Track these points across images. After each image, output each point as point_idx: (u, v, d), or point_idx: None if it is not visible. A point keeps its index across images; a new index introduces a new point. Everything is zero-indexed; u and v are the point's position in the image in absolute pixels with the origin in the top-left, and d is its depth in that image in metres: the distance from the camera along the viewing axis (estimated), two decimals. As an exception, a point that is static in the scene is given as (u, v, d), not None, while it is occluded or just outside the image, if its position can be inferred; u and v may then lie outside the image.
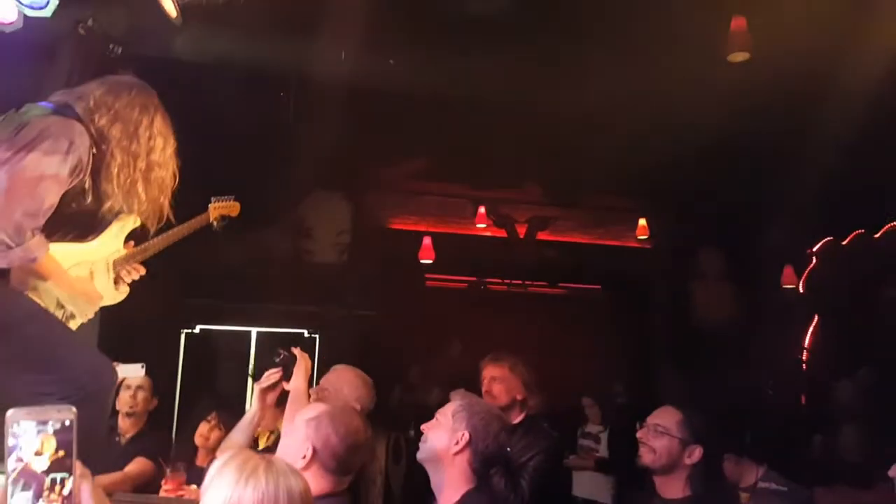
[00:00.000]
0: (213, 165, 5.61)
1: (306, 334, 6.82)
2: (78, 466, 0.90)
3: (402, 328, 6.74)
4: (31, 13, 3.24)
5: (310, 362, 2.43)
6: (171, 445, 3.37)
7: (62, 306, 1.95)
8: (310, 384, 2.62)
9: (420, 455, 1.96)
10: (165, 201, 2.01)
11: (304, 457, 1.74)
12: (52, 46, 3.59)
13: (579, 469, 4.92)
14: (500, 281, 8.13)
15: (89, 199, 1.85)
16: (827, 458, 4.15)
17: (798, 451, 4.25)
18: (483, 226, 6.97)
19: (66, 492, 0.88)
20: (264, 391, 2.37)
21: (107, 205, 1.88)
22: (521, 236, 7.58)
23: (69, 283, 1.92)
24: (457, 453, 1.89)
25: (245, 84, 4.90)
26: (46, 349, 1.78)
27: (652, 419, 2.25)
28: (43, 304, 1.89)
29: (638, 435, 2.24)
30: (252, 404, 2.40)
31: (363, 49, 4.38)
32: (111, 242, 2.04)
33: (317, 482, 1.76)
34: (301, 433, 1.78)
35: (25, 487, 0.87)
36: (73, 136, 1.77)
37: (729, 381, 5.61)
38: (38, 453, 0.87)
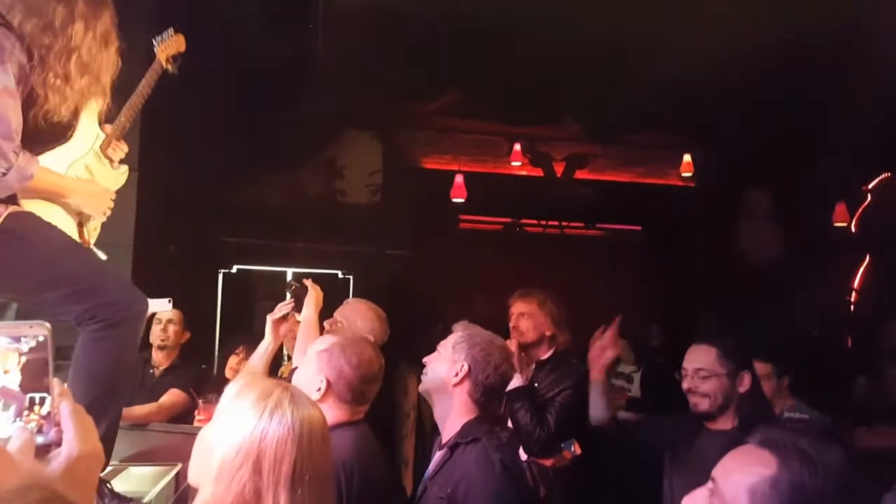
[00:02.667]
0: (243, 102, 5.60)
1: (340, 275, 6.85)
2: (56, 385, 0.87)
3: (436, 268, 6.71)
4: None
5: (321, 294, 2.41)
6: (205, 377, 3.44)
7: (81, 212, 1.95)
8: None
9: (422, 387, 1.95)
10: (101, 89, 1.88)
11: (319, 389, 1.73)
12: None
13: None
14: (535, 222, 7.99)
15: (41, 105, 1.74)
16: (870, 399, 4.01)
17: (842, 391, 4.11)
18: (519, 164, 6.79)
19: (43, 411, 0.85)
20: (277, 322, 2.38)
21: (46, 107, 1.75)
22: (559, 175, 7.38)
23: (76, 189, 1.90)
24: (457, 384, 1.86)
25: (270, 15, 4.77)
26: (84, 278, 1.80)
27: (690, 364, 2.15)
28: (60, 213, 1.90)
29: (684, 387, 2.15)
30: (266, 335, 2.40)
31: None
32: (89, 132, 1.96)
33: (333, 413, 1.75)
34: (314, 365, 1.76)
35: (5, 407, 0.85)
36: (1, 41, 1.65)
37: (773, 323, 5.43)
38: (5, 371, 0.84)
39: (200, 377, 3.44)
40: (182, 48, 2.27)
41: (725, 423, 2.06)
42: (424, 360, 2.01)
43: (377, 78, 5.66)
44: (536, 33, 4.79)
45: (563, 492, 2.50)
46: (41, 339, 0.85)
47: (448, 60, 5.43)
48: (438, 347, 1.99)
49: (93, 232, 2.04)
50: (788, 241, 6.11)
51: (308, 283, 2.50)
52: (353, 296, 6.91)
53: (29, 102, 1.72)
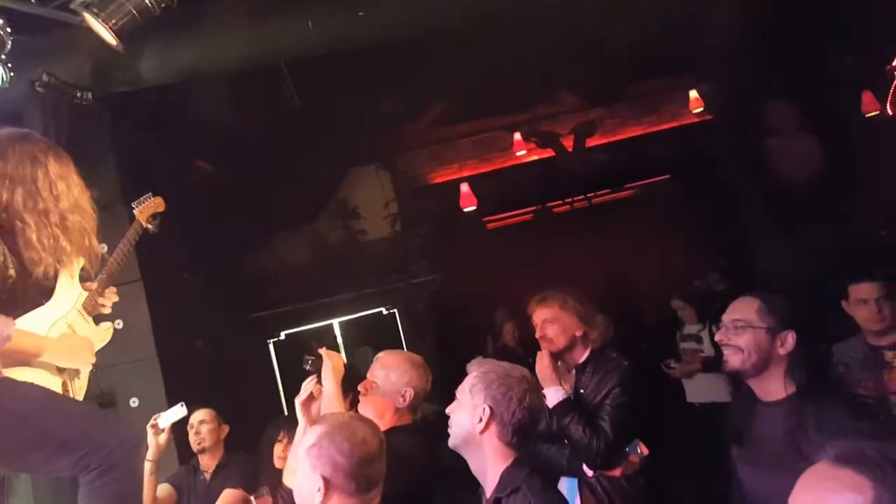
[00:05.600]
0: (237, 178, 5.61)
1: (384, 312, 6.79)
2: None
3: (474, 280, 6.56)
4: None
5: (339, 361, 2.25)
6: (256, 467, 3.31)
7: (62, 369, 1.95)
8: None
9: (451, 442, 1.77)
10: (92, 240, 1.95)
11: (319, 489, 1.57)
12: (19, 112, 3.53)
13: (687, 375, 4.60)
14: (561, 202, 7.76)
15: (12, 271, 1.77)
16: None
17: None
18: (523, 152, 6.59)
19: None
20: (305, 403, 2.21)
21: (39, 270, 1.81)
22: (571, 150, 7.13)
23: (56, 347, 1.90)
24: (483, 431, 1.69)
25: (241, 87, 4.74)
26: (66, 428, 1.80)
27: (727, 316, 1.93)
28: (44, 374, 1.89)
29: (717, 338, 1.93)
30: (299, 420, 2.26)
31: (331, 13, 4.09)
32: (69, 292, 1.99)
33: None
34: (307, 465, 1.60)
35: None
36: None
37: (835, 234, 5.05)
38: None
39: (254, 468, 3.31)
40: (161, 208, 2.39)
41: (777, 391, 1.82)
42: (447, 410, 1.85)
43: (361, 112, 5.59)
44: (499, 21, 4.61)
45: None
46: None
47: (423, 74, 5.30)
48: (457, 393, 1.83)
49: (79, 390, 2.02)
50: (826, 146, 5.69)
51: (323, 352, 2.35)
52: (402, 329, 6.85)
53: (3, 266, 1.74)
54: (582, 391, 2.45)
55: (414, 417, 2.29)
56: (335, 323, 6.93)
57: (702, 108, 6.41)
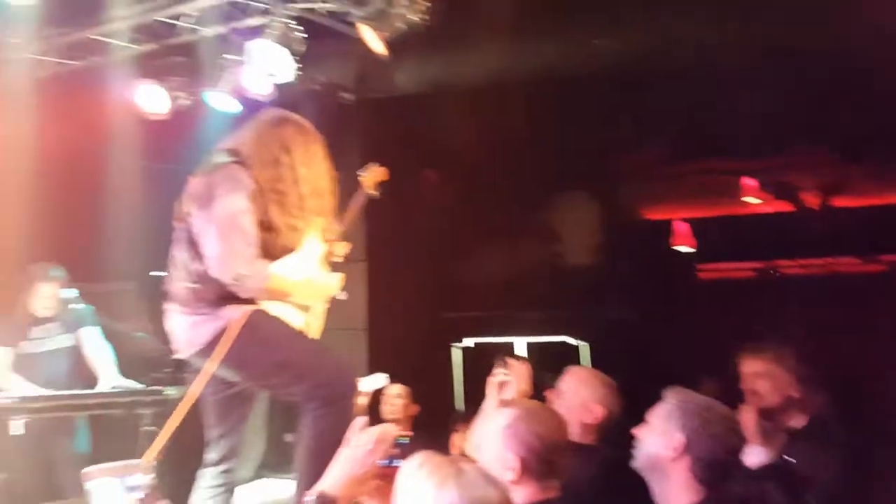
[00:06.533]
0: (454, 188, 5.90)
1: (570, 342, 6.63)
2: None
3: (675, 327, 6.13)
4: (278, 81, 3.85)
5: (523, 378, 2.24)
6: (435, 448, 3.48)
7: (304, 308, 2.24)
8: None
9: (636, 463, 1.69)
10: (328, 219, 2.24)
11: (513, 469, 1.61)
12: (296, 104, 4.15)
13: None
14: (794, 263, 6.94)
15: (276, 235, 2.09)
16: None
17: None
18: (757, 200, 6.03)
19: None
20: (500, 385, 2.19)
21: (282, 240, 2.10)
22: (815, 207, 6.38)
23: (300, 289, 2.20)
24: (674, 460, 1.58)
25: (473, 99, 5.00)
26: (303, 362, 2.10)
27: None
28: (290, 310, 2.20)
29: None
30: (490, 399, 2.28)
31: (569, 38, 4.14)
32: (313, 245, 2.28)
33: (529, 491, 1.62)
34: (500, 444, 1.64)
35: None
36: (234, 174, 2.06)
37: None
38: None
39: (432, 448, 3.51)
40: (385, 177, 2.66)
41: None
42: (634, 431, 1.76)
43: (586, 137, 5.58)
44: (751, 57, 4.30)
45: None
46: (146, 480, 0.89)
47: (652, 107, 5.15)
48: (649, 417, 1.74)
49: (316, 328, 2.32)
50: None
51: (512, 364, 2.37)
52: (586, 361, 6.61)
53: (266, 229, 2.08)
54: (791, 459, 2.14)
55: (597, 440, 2.21)
56: (521, 342, 6.94)
57: None
